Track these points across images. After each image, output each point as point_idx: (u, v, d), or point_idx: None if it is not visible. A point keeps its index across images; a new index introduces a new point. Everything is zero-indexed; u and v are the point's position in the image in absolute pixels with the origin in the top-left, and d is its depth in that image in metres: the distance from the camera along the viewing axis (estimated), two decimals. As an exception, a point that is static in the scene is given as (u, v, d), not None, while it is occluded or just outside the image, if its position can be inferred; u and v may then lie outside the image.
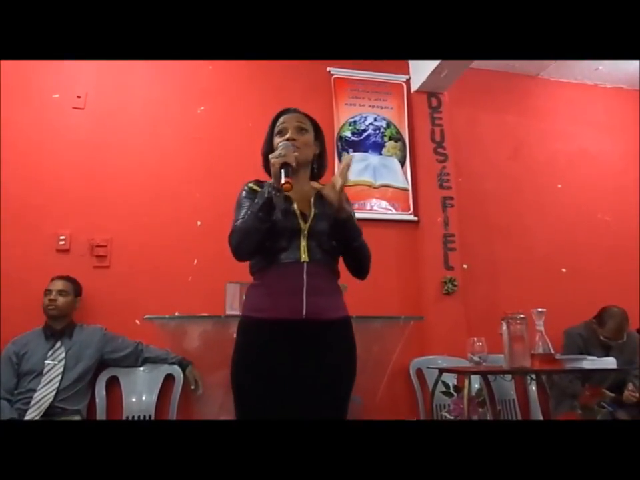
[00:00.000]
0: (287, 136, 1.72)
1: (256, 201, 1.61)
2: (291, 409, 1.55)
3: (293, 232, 1.65)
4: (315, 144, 1.81)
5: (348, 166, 1.64)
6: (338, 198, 1.61)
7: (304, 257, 1.63)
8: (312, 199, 1.73)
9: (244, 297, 1.77)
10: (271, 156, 1.60)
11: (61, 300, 2.84)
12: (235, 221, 1.68)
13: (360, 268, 1.77)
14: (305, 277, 1.62)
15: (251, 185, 1.76)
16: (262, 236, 1.61)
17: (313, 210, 1.70)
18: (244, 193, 1.75)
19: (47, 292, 2.85)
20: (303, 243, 1.64)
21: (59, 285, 2.88)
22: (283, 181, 1.52)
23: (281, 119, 1.78)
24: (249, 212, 1.62)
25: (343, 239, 1.69)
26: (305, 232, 1.65)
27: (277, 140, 1.74)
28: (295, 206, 1.68)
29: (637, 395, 3.00)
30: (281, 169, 1.54)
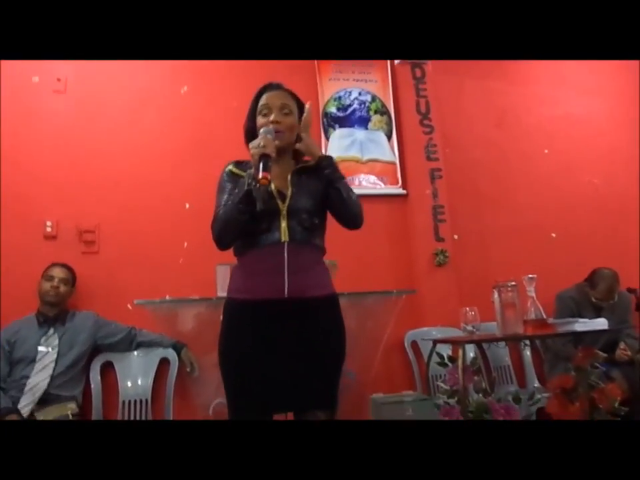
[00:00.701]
0: (270, 118, 1.69)
1: (236, 190, 1.61)
2: (279, 388, 1.56)
3: (272, 213, 1.64)
4: (299, 123, 1.77)
5: (308, 114, 1.72)
6: (309, 148, 1.69)
7: (284, 237, 1.62)
8: (289, 177, 1.71)
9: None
10: (250, 145, 1.59)
11: (62, 288, 2.84)
12: (216, 206, 1.68)
13: (352, 214, 1.72)
14: (285, 256, 1.61)
15: (230, 167, 1.75)
16: (242, 226, 1.61)
17: (290, 188, 1.68)
18: (225, 176, 1.74)
19: (49, 277, 2.83)
20: (283, 224, 1.63)
21: (61, 272, 2.87)
22: (260, 175, 1.50)
23: (264, 97, 1.75)
24: (229, 202, 1.62)
25: (330, 184, 1.68)
26: (284, 212, 1.65)
27: (261, 120, 1.71)
28: (273, 186, 1.66)
29: (629, 353, 3.04)
30: (260, 161, 1.53)
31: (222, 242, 1.66)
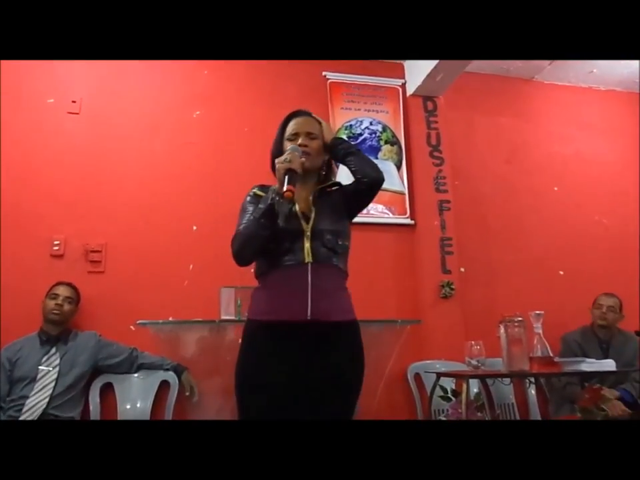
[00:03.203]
0: (298, 142, 1.72)
1: (260, 206, 1.62)
2: (295, 412, 1.53)
3: (295, 234, 1.64)
4: (324, 148, 1.79)
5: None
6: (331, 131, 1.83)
7: (307, 258, 1.62)
8: (311, 198, 1.73)
9: (249, 301, 1.75)
10: (277, 160, 1.61)
11: (66, 307, 2.83)
12: (237, 226, 1.69)
13: (374, 166, 1.75)
14: (309, 277, 1.60)
15: (255, 190, 1.76)
16: (263, 242, 1.61)
17: (313, 210, 1.69)
18: (248, 198, 1.75)
19: (53, 296, 2.82)
20: (307, 245, 1.63)
21: (66, 291, 2.86)
22: (285, 188, 1.51)
23: (292, 123, 1.78)
24: (251, 217, 1.63)
25: (350, 153, 1.75)
26: (308, 233, 1.65)
27: (289, 145, 1.73)
28: (297, 207, 1.68)
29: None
30: (285, 175, 1.54)
31: (241, 257, 1.66)
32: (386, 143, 3.80)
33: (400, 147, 3.82)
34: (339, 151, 1.75)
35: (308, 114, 1.83)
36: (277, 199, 1.56)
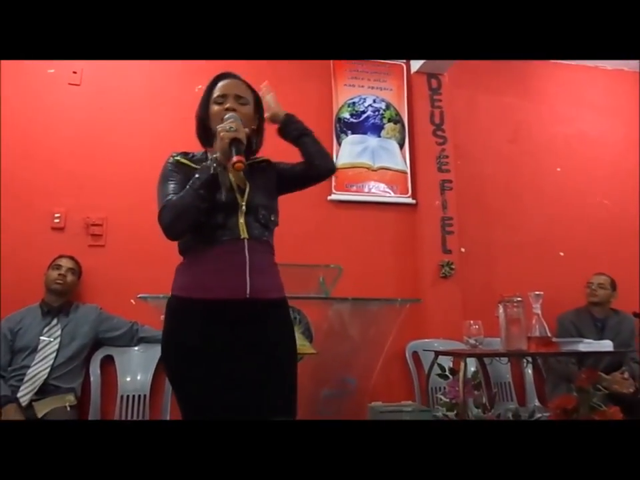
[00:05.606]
0: (226, 106, 1.60)
1: (196, 176, 1.49)
2: (239, 391, 1.46)
3: (230, 207, 1.55)
4: (254, 117, 1.70)
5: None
6: (277, 106, 1.77)
7: (243, 234, 1.53)
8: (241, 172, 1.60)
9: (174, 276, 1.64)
10: (219, 127, 1.50)
11: (69, 277, 2.87)
12: (163, 197, 1.56)
13: (326, 155, 1.76)
14: (247, 254, 1.52)
15: (177, 157, 1.63)
16: (199, 215, 1.50)
17: (248, 183, 1.60)
18: (170, 166, 1.62)
19: (57, 266, 2.86)
20: (241, 219, 1.55)
21: (69, 263, 2.90)
22: (234, 159, 1.42)
23: (220, 85, 1.66)
24: (187, 188, 1.50)
25: (303, 134, 1.73)
26: (243, 207, 1.56)
27: (215, 108, 1.62)
28: (232, 180, 1.58)
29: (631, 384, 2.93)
30: (231, 145, 1.45)
31: (173, 231, 1.53)
32: (389, 121, 3.77)
33: (403, 125, 3.79)
34: (292, 129, 1.69)
35: (238, 77, 1.70)
36: (220, 169, 1.45)
